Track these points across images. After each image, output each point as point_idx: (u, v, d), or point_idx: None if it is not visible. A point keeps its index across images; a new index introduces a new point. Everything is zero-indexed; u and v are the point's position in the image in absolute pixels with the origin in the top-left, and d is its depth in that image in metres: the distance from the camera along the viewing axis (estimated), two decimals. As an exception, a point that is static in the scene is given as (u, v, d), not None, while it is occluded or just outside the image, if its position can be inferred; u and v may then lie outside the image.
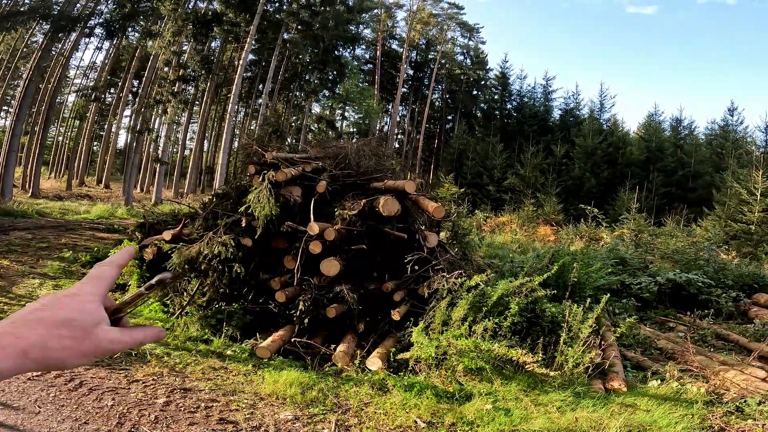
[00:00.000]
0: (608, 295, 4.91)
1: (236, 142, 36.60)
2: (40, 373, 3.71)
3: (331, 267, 4.99)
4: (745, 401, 3.94)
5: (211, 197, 6.86)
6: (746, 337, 6.46)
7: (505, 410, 3.62)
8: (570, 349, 4.25)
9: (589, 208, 16.77)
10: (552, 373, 4.14)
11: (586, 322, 4.35)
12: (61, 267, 7.55)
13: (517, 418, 3.52)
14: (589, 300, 4.76)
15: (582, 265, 6.54)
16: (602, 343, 4.71)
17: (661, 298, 8.30)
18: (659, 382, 4.35)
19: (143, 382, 3.75)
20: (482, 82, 44.93)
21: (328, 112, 39.21)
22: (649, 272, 9.20)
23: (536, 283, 4.66)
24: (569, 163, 32.95)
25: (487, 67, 45.29)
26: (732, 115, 34.88)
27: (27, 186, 25.79)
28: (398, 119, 45.23)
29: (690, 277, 8.36)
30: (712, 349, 5.94)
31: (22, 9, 19.52)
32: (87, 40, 28.36)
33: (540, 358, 4.15)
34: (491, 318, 4.33)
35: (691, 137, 35.45)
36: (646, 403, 3.83)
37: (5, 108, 40.22)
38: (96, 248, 8.82)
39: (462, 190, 24.28)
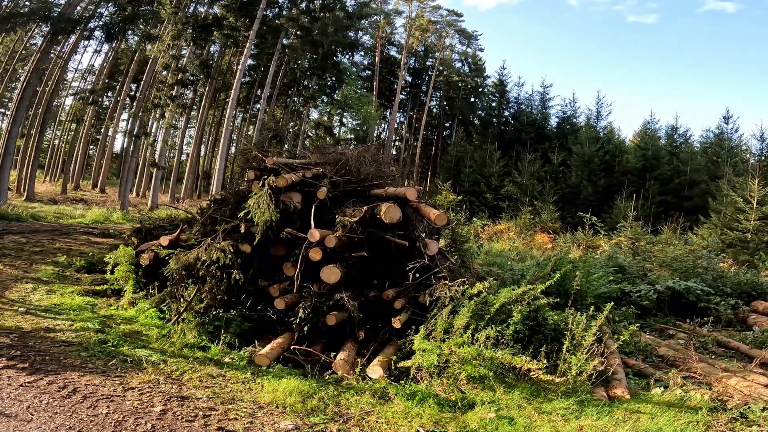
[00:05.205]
0: (611, 303, 4.88)
1: (234, 148, 36.61)
2: (32, 379, 3.64)
3: (331, 274, 4.94)
4: (748, 408, 3.94)
5: (209, 203, 6.80)
6: (746, 344, 6.48)
7: (508, 419, 3.57)
8: (573, 356, 4.22)
9: (586, 216, 16.79)
10: (557, 380, 4.09)
11: (590, 330, 4.32)
12: (55, 272, 7.44)
13: (520, 426, 3.47)
14: (591, 308, 4.73)
15: (583, 273, 6.52)
16: (604, 350, 4.67)
17: (661, 305, 8.29)
18: (662, 389, 4.33)
19: (139, 390, 3.67)
20: (480, 90, 45.08)
21: (326, 118, 39.21)
22: (648, 280, 9.20)
23: (538, 291, 4.63)
24: (566, 171, 33.06)
25: (485, 74, 45.49)
26: (727, 123, 35.16)
27: (22, 189, 25.62)
28: (396, 126, 45.34)
29: (689, 284, 8.37)
30: (713, 357, 5.93)
31: (22, 10, 19.48)
32: (86, 42, 28.38)
33: (543, 366, 4.11)
34: (493, 326, 4.29)
35: (686, 145, 35.67)
36: (650, 411, 3.81)
37: (2, 110, 40.12)
38: (91, 253, 8.71)
39: (460, 197, 24.30)
